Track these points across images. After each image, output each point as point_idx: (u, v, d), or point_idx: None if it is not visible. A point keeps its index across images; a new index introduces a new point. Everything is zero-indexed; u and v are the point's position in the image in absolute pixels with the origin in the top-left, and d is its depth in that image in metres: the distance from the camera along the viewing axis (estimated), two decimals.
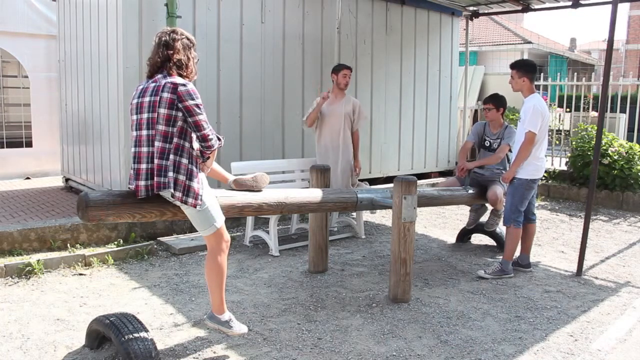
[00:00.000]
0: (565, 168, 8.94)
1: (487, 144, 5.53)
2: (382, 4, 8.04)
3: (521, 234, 4.92)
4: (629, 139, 9.02)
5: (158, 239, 5.60)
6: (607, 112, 8.83)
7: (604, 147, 7.90)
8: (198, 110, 2.94)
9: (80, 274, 4.71)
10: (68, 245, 5.17)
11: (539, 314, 4.04)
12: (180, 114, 2.92)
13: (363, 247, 5.82)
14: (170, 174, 2.90)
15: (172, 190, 2.91)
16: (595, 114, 8.91)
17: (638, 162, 7.97)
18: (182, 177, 2.93)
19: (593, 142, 7.56)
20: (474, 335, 3.65)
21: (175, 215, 3.14)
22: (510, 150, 5.42)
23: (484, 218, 5.78)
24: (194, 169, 3.00)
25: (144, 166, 2.93)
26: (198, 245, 5.42)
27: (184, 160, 2.95)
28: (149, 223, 5.64)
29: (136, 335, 3.01)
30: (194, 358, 3.27)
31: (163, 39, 3.04)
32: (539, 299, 4.35)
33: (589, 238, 5.15)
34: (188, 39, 3.10)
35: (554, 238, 6.28)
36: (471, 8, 8.89)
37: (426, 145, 9.06)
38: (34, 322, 3.73)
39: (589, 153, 8.11)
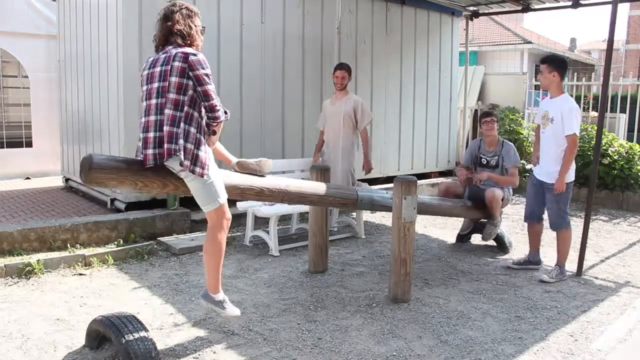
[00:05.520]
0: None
1: (484, 161, 5.57)
2: (382, 4, 8.04)
3: (530, 233, 5.02)
4: (629, 139, 9.01)
5: (158, 239, 5.59)
6: (607, 112, 8.83)
7: (604, 147, 7.91)
8: (207, 80, 2.97)
9: (80, 274, 4.71)
10: (68, 245, 5.17)
11: (539, 314, 4.04)
12: (191, 83, 2.95)
13: (363, 247, 5.82)
14: (181, 141, 2.90)
15: (182, 157, 2.89)
16: (595, 114, 8.91)
17: (638, 162, 7.97)
18: (190, 146, 2.94)
19: (593, 142, 7.56)
20: (474, 335, 3.65)
21: (177, 189, 3.12)
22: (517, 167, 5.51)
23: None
24: (202, 138, 3.01)
25: (152, 134, 2.93)
26: (198, 245, 5.41)
27: (193, 129, 2.97)
28: (149, 223, 5.64)
29: (136, 335, 3.01)
30: (194, 358, 3.27)
31: (162, 12, 3.09)
32: (539, 299, 4.35)
33: (589, 238, 5.15)
34: (188, 8, 3.12)
35: (554, 238, 6.26)
36: (471, 8, 8.88)
37: (426, 145, 9.06)
38: (34, 322, 3.73)
39: (589, 153, 8.11)
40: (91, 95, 6.70)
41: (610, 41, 4.90)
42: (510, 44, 23.61)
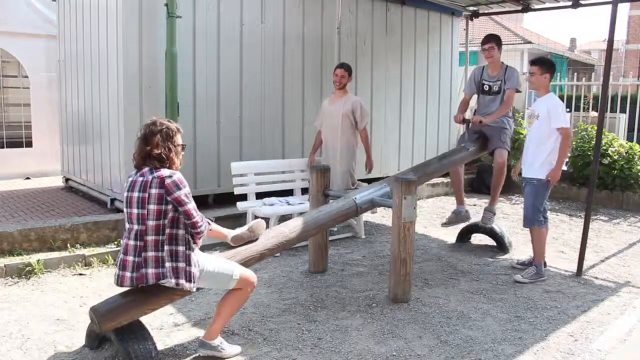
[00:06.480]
0: (565, 168, 8.94)
1: (486, 87, 5.48)
2: (382, 4, 8.04)
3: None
4: (629, 139, 9.01)
5: None
6: (607, 112, 8.83)
7: (604, 147, 7.90)
8: (187, 200, 2.96)
9: (80, 274, 4.71)
10: (68, 245, 5.17)
11: (539, 314, 4.04)
12: (170, 206, 2.94)
13: (363, 247, 5.82)
14: (168, 264, 2.92)
15: (171, 279, 2.92)
16: (595, 114, 8.91)
17: (638, 162, 7.97)
18: (181, 264, 2.95)
19: (593, 142, 7.56)
20: (474, 335, 3.65)
21: (184, 296, 3.20)
22: (519, 91, 5.44)
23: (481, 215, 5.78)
24: (191, 253, 3.02)
25: (130, 258, 2.95)
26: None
27: (180, 248, 2.98)
28: None
29: (136, 335, 3.01)
30: (193, 358, 3.27)
31: (142, 132, 3.06)
32: (539, 299, 4.35)
33: (589, 238, 5.15)
34: (168, 128, 3.07)
35: (554, 238, 6.27)
36: (471, 8, 8.87)
37: (426, 145, 9.06)
38: (34, 322, 3.74)
39: (589, 153, 8.11)
40: (91, 95, 6.70)
41: (610, 41, 4.90)
42: (510, 44, 23.60)
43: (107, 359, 3.19)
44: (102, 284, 4.50)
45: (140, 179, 2.99)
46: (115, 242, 5.35)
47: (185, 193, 2.96)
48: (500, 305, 4.18)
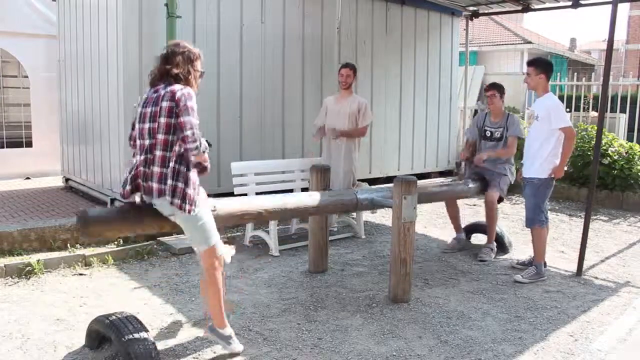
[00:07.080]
0: (565, 168, 8.92)
1: (487, 134, 5.51)
2: (382, 4, 8.05)
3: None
4: (629, 139, 9.01)
5: (158, 239, 5.58)
6: (607, 112, 8.83)
7: (604, 147, 7.90)
8: (189, 112, 2.95)
9: (80, 274, 4.70)
10: (68, 245, 5.17)
11: (539, 314, 4.04)
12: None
13: (363, 247, 5.81)
14: (169, 181, 2.93)
15: (169, 197, 2.93)
16: (595, 114, 8.91)
17: (638, 162, 7.97)
18: (180, 184, 2.96)
19: (593, 142, 7.56)
20: (474, 335, 3.65)
21: (174, 228, 3.20)
22: (521, 139, 5.45)
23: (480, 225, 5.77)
24: (193, 175, 3.02)
25: (142, 169, 2.98)
26: None
27: (183, 168, 2.98)
28: None
29: (136, 335, 3.01)
30: (193, 358, 3.27)
31: (164, 52, 3.07)
32: (539, 299, 4.35)
33: (589, 238, 5.14)
34: (190, 51, 3.09)
35: (554, 238, 6.27)
36: (471, 8, 8.88)
37: (426, 145, 9.06)
38: (34, 322, 3.73)
39: (589, 153, 8.11)
40: (91, 95, 6.70)
41: (610, 41, 4.90)
42: (510, 44, 23.61)
43: (107, 359, 3.19)
44: (102, 284, 4.50)
45: (154, 95, 3.01)
46: (115, 242, 5.36)
47: (191, 105, 2.95)
48: (500, 305, 4.18)
